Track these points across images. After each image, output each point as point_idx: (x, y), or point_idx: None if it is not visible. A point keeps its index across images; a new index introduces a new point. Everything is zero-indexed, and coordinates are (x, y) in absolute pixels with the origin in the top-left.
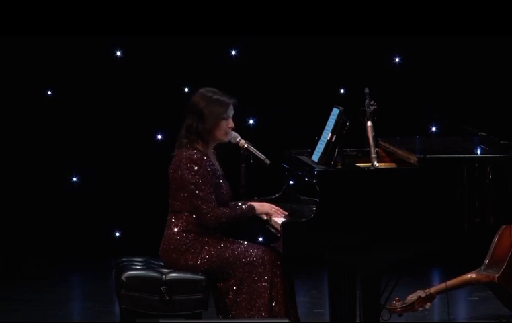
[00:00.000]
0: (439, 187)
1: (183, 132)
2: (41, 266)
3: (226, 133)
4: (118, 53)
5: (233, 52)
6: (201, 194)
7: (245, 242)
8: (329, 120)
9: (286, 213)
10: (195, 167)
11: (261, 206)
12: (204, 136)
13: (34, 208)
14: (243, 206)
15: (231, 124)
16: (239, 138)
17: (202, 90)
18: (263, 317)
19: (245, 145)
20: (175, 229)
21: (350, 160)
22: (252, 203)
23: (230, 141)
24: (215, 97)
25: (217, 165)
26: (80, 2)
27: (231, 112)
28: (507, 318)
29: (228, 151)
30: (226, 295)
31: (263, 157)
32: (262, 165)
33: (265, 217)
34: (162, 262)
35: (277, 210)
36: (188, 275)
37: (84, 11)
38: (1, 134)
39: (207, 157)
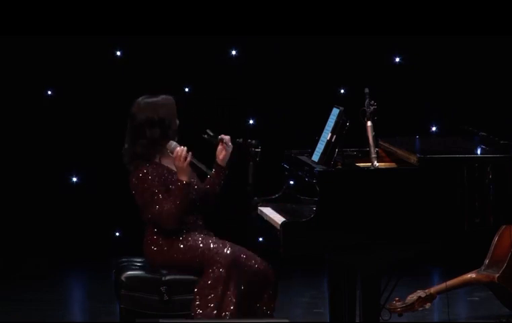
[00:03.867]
0: (439, 187)
1: (142, 149)
2: (41, 266)
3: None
4: (118, 53)
5: (233, 52)
6: (152, 209)
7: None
8: (329, 120)
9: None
10: (144, 186)
11: (181, 171)
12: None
13: (34, 208)
14: (178, 185)
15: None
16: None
17: (143, 102)
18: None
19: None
20: (149, 238)
21: (350, 160)
22: (178, 177)
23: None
24: (160, 100)
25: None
26: (80, 2)
27: None
28: (507, 318)
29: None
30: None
31: (204, 168)
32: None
33: (188, 162)
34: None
35: (183, 154)
36: (188, 276)
37: (85, 11)
38: (1, 134)
39: (164, 166)
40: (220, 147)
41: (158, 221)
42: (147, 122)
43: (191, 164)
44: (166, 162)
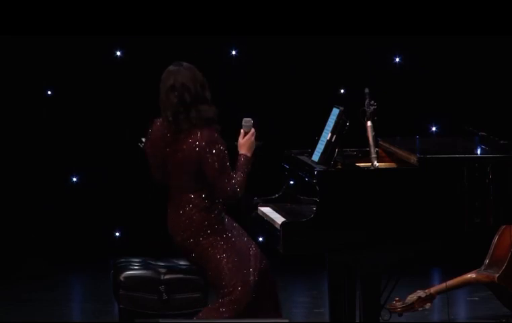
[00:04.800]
0: (439, 187)
1: (204, 106)
2: (41, 266)
3: None
4: (118, 53)
5: (233, 52)
6: (225, 174)
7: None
8: (329, 120)
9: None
10: (221, 152)
11: (246, 149)
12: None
13: (34, 208)
14: (242, 160)
15: None
16: None
17: (190, 70)
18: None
19: None
20: (192, 208)
21: (350, 160)
22: (240, 152)
23: None
24: (191, 66)
25: None
26: (80, 2)
27: None
28: (507, 318)
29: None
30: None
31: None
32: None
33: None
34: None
35: (252, 136)
36: (186, 274)
37: (85, 11)
38: (0, 134)
39: None
40: None
41: (232, 189)
42: (203, 86)
43: None
44: None
